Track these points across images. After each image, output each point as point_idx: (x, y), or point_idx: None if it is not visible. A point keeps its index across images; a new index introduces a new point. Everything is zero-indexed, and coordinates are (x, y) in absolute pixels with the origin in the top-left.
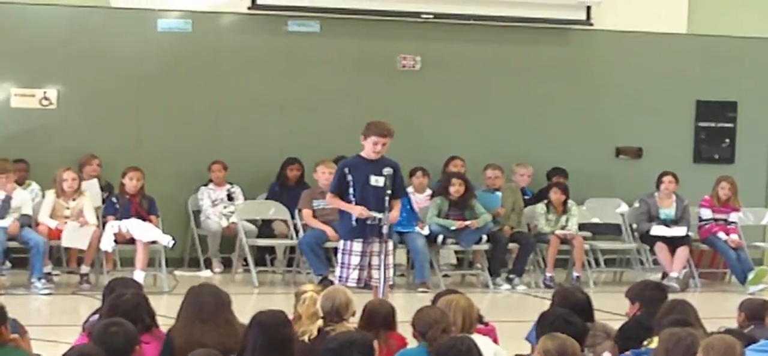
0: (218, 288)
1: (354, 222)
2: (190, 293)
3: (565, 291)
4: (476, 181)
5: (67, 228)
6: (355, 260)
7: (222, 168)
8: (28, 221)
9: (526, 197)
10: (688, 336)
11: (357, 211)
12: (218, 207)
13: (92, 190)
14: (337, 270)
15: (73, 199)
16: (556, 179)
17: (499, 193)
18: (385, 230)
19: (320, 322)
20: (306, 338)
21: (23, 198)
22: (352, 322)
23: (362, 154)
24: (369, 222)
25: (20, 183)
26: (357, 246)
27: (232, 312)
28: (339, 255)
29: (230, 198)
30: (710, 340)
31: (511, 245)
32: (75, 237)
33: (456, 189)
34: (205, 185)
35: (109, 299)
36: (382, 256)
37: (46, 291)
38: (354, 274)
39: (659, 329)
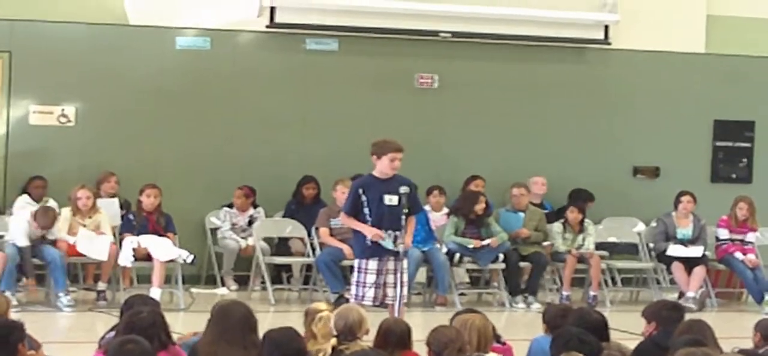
0: (247, 307)
1: (369, 242)
2: (218, 311)
3: (565, 311)
4: (500, 200)
5: (81, 233)
6: (371, 278)
7: (244, 195)
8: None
9: (545, 210)
10: None
11: (371, 233)
12: (236, 229)
13: (112, 210)
14: (353, 288)
15: (90, 217)
16: (588, 204)
17: (522, 214)
18: (400, 250)
19: (334, 341)
20: None
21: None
22: (366, 341)
23: (375, 173)
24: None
25: (38, 199)
26: (372, 264)
27: (257, 334)
28: (354, 274)
29: (251, 223)
30: None
31: (522, 264)
32: (91, 247)
33: (481, 207)
34: (229, 207)
35: (125, 316)
36: (398, 275)
37: (70, 307)
38: (370, 293)
39: (675, 349)
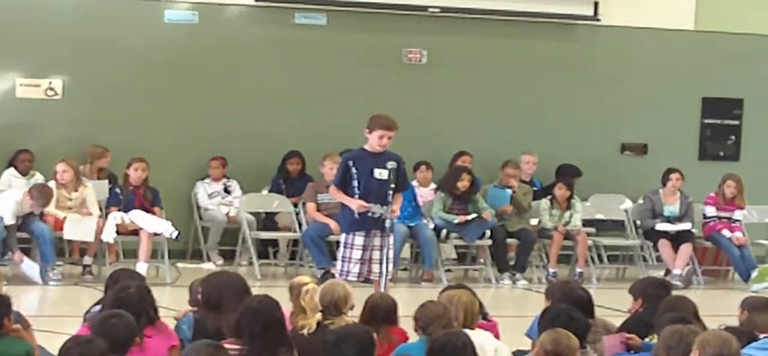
0: (238, 275)
1: (356, 215)
2: (212, 282)
3: (566, 287)
4: (488, 176)
5: (68, 220)
6: (357, 254)
7: (220, 164)
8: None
9: (534, 188)
10: (690, 334)
11: (355, 205)
12: (216, 200)
13: (102, 190)
14: (338, 263)
15: (75, 190)
16: (575, 179)
17: (509, 191)
18: (388, 224)
19: (319, 316)
20: (305, 331)
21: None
22: (352, 316)
23: (366, 147)
24: (370, 214)
25: (24, 173)
26: (359, 239)
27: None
28: (340, 249)
29: (227, 191)
30: (705, 336)
31: (509, 240)
32: (78, 230)
33: (464, 184)
34: (202, 180)
35: (113, 291)
36: (385, 250)
37: (57, 281)
38: (355, 268)
39: (661, 326)
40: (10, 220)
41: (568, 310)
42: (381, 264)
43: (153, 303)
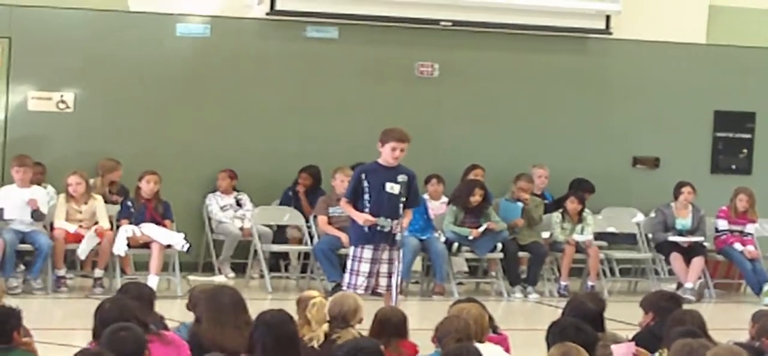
0: (234, 289)
1: (366, 228)
2: (208, 297)
3: (577, 300)
4: (500, 190)
5: (86, 237)
6: (365, 267)
7: (228, 176)
8: (43, 218)
9: (545, 201)
10: (701, 348)
11: (362, 219)
12: (228, 213)
13: (112, 209)
14: (346, 276)
15: (85, 203)
16: (588, 195)
17: (520, 204)
18: (398, 238)
19: (326, 327)
20: (314, 343)
21: (40, 197)
22: (360, 329)
23: (379, 160)
24: (379, 228)
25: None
26: (367, 253)
27: (248, 313)
28: (349, 262)
29: (239, 204)
30: (717, 350)
31: (521, 254)
32: (83, 244)
33: (476, 199)
34: (213, 192)
35: (96, 314)
36: (395, 264)
37: (40, 290)
38: (362, 281)
39: (671, 340)
40: (9, 214)
41: (576, 323)
42: (389, 277)
43: (143, 315)
